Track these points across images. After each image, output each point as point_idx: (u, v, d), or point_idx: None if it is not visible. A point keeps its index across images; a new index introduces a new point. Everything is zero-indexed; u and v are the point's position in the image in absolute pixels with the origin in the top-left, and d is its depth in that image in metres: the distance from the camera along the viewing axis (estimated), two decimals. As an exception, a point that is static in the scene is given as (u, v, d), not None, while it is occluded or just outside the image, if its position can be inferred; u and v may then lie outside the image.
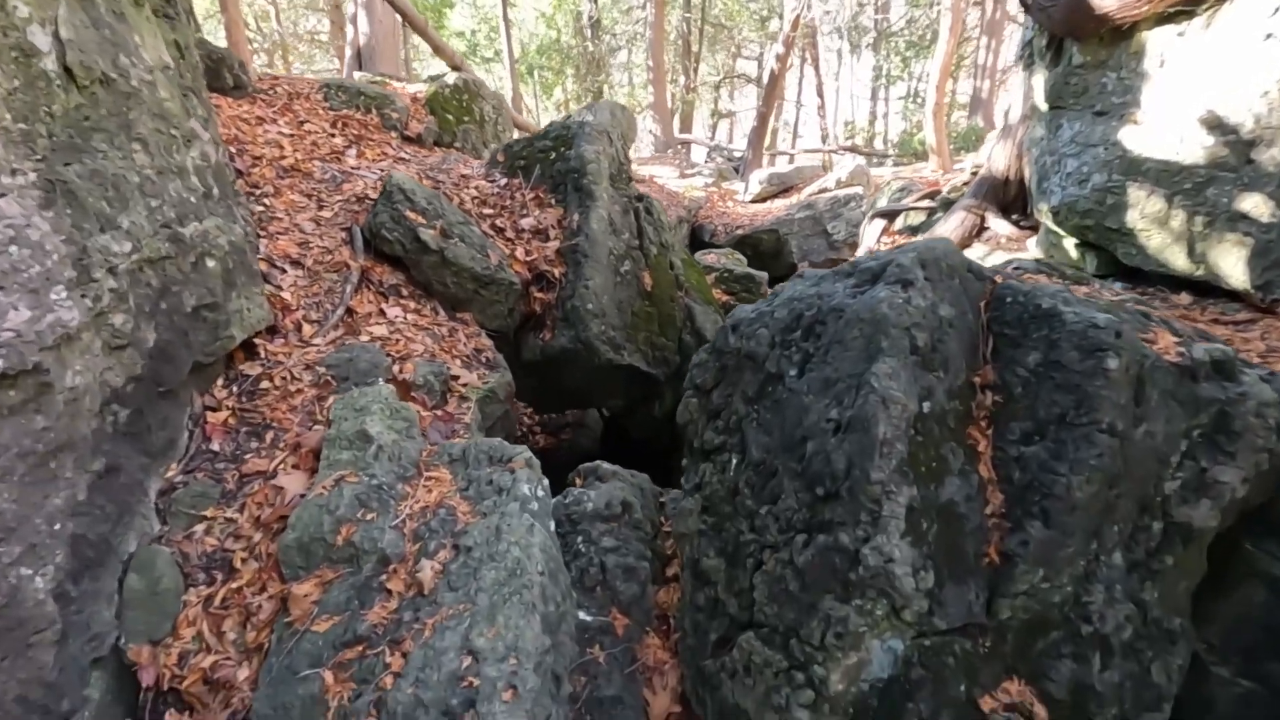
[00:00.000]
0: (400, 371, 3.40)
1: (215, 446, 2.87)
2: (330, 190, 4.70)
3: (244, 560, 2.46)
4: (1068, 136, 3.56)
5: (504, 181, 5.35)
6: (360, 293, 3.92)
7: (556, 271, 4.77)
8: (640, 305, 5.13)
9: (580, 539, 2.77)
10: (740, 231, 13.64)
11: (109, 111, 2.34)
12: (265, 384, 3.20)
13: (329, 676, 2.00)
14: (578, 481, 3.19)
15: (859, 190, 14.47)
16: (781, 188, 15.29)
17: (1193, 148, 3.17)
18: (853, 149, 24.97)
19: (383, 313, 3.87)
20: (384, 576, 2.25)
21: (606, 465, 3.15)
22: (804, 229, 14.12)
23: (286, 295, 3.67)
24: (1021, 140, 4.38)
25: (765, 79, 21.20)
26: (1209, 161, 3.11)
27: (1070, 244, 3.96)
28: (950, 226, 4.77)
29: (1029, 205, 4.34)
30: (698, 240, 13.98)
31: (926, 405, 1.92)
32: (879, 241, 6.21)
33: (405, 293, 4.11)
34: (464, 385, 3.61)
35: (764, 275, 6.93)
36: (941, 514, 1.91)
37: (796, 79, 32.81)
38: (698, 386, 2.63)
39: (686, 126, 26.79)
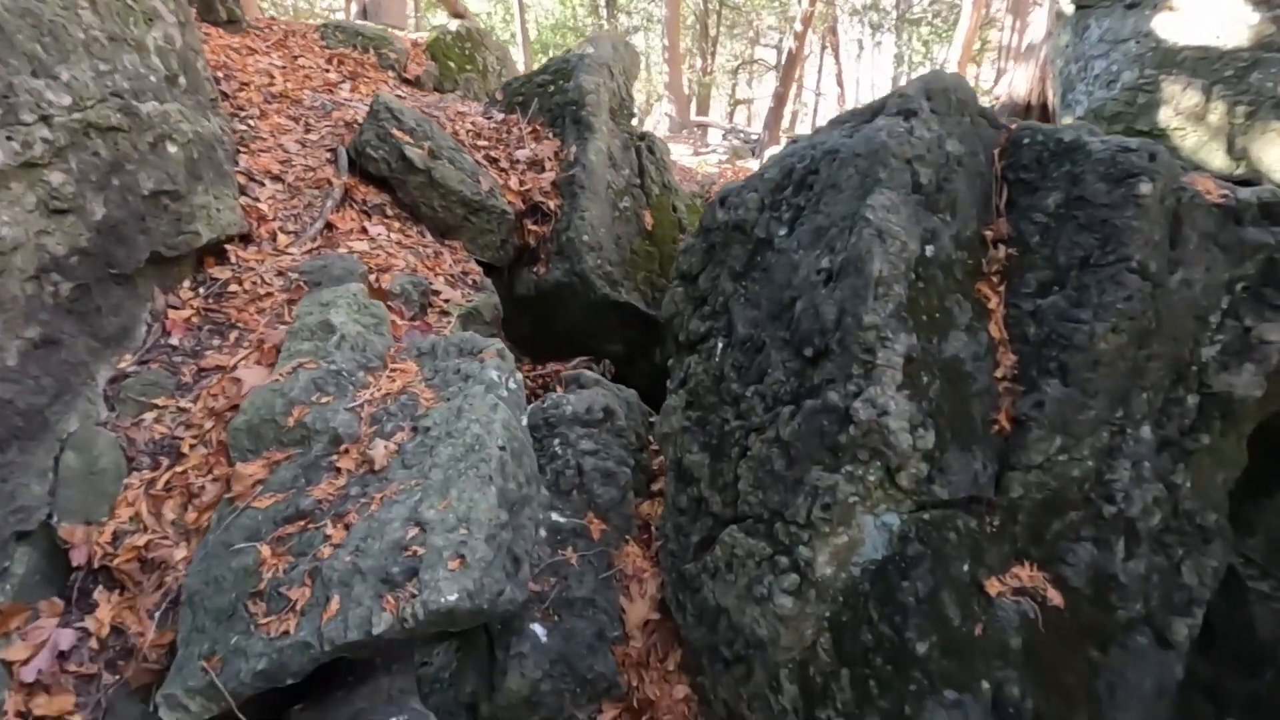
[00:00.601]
0: (378, 281, 3.23)
1: (175, 341, 2.71)
2: (319, 117, 4.54)
3: (192, 446, 2.30)
4: (1095, 36, 3.28)
5: (501, 117, 5.17)
6: (343, 210, 3.76)
7: (552, 203, 4.58)
8: (640, 244, 4.93)
9: (557, 441, 2.58)
10: (754, 206, 13.38)
11: (50, -43, 2.17)
12: (234, 288, 3.04)
13: (265, 550, 1.83)
14: (559, 389, 2.99)
15: (876, 165, 14.13)
16: (797, 163, 14.89)
17: (1236, 29, 2.90)
18: (872, 132, 24.50)
19: (365, 230, 3.71)
20: (334, 456, 2.08)
21: (589, 373, 2.96)
22: (819, 205, 13.83)
23: (263, 206, 3.52)
24: (1045, 58, 4.10)
25: (783, 61, 20.85)
26: (1254, 42, 2.84)
27: (1096, 166, 3.66)
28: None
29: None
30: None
31: (930, 249, 1.70)
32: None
33: (390, 213, 3.94)
34: (445, 301, 3.43)
35: (773, 229, 6.69)
36: (945, 370, 1.69)
37: (816, 67, 32.34)
38: (683, 274, 2.42)
39: (703, 111, 26.47)
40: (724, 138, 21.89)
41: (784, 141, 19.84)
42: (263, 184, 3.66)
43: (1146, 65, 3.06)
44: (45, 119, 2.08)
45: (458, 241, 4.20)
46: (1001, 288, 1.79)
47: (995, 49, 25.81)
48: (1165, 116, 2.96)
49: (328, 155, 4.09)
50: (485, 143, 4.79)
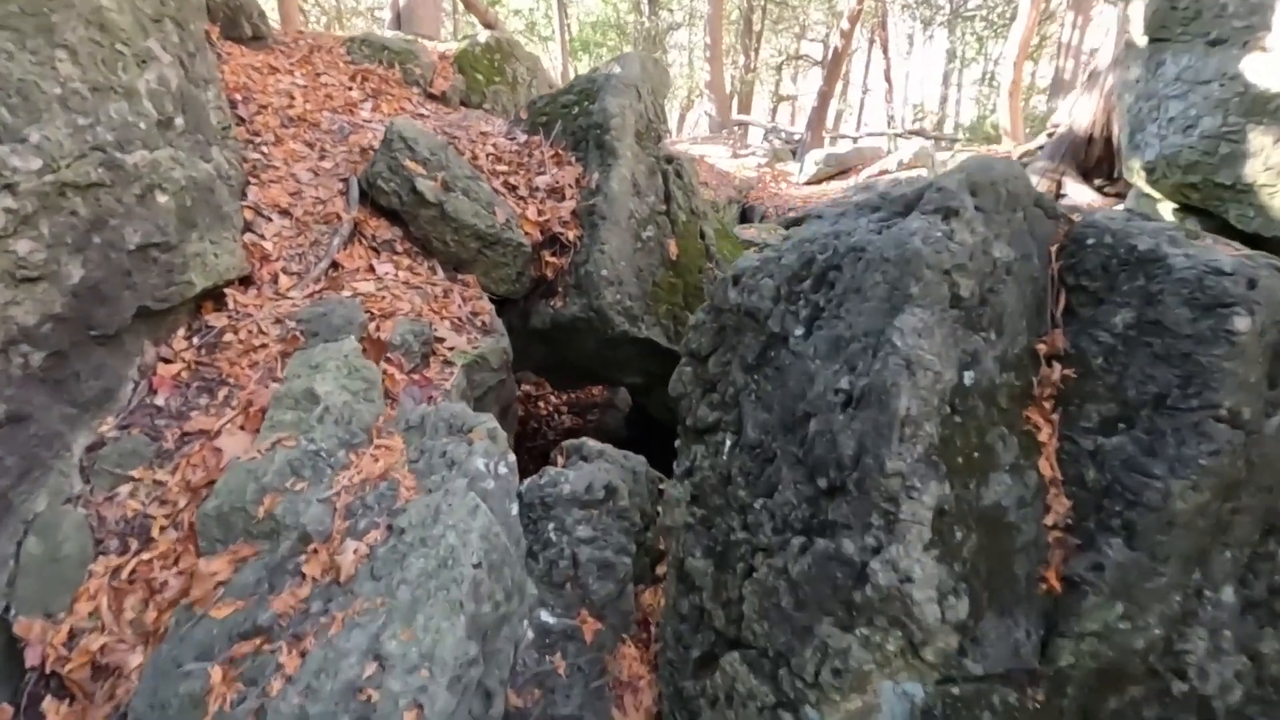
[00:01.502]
0: (377, 329, 3.07)
1: (160, 400, 2.60)
2: (336, 141, 4.42)
3: (163, 529, 2.16)
4: (1171, 74, 2.92)
5: (524, 139, 4.98)
6: (350, 246, 3.62)
7: (571, 234, 4.38)
8: (663, 275, 4.69)
9: (552, 526, 2.38)
10: (792, 213, 12.96)
11: (23, 9, 2.04)
12: (229, 337, 2.92)
13: (216, 674, 1.67)
14: (559, 460, 2.80)
15: (923, 173, 13.56)
16: (839, 169, 14.50)
17: (1341, 76, 2.53)
18: (919, 133, 23.71)
19: (372, 269, 3.56)
20: (302, 557, 1.91)
21: (593, 443, 2.75)
22: (861, 212, 13.35)
23: (268, 244, 3.39)
24: (1111, 89, 3.72)
25: (829, 57, 20.26)
26: (1363, 94, 2.47)
27: (1167, 209, 3.31)
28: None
29: (1116, 166, 3.69)
30: (748, 221, 13.39)
31: (969, 376, 1.44)
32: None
33: (400, 249, 3.79)
34: (450, 349, 3.26)
35: (808, 252, 6.38)
36: (983, 521, 1.43)
37: (864, 63, 31.47)
38: (693, 353, 2.19)
39: (745, 109, 25.99)
40: (765, 138, 21.40)
41: (827, 143, 19.27)
42: (270, 219, 3.54)
43: (1231, 111, 2.69)
44: (9, 187, 1.95)
45: (470, 275, 4.04)
46: (1055, 415, 1.52)
47: (1054, 45, 24.69)
48: (1252, 170, 2.59)
49: (340, 186, 3.96)
50: (505, 168, 4.61)
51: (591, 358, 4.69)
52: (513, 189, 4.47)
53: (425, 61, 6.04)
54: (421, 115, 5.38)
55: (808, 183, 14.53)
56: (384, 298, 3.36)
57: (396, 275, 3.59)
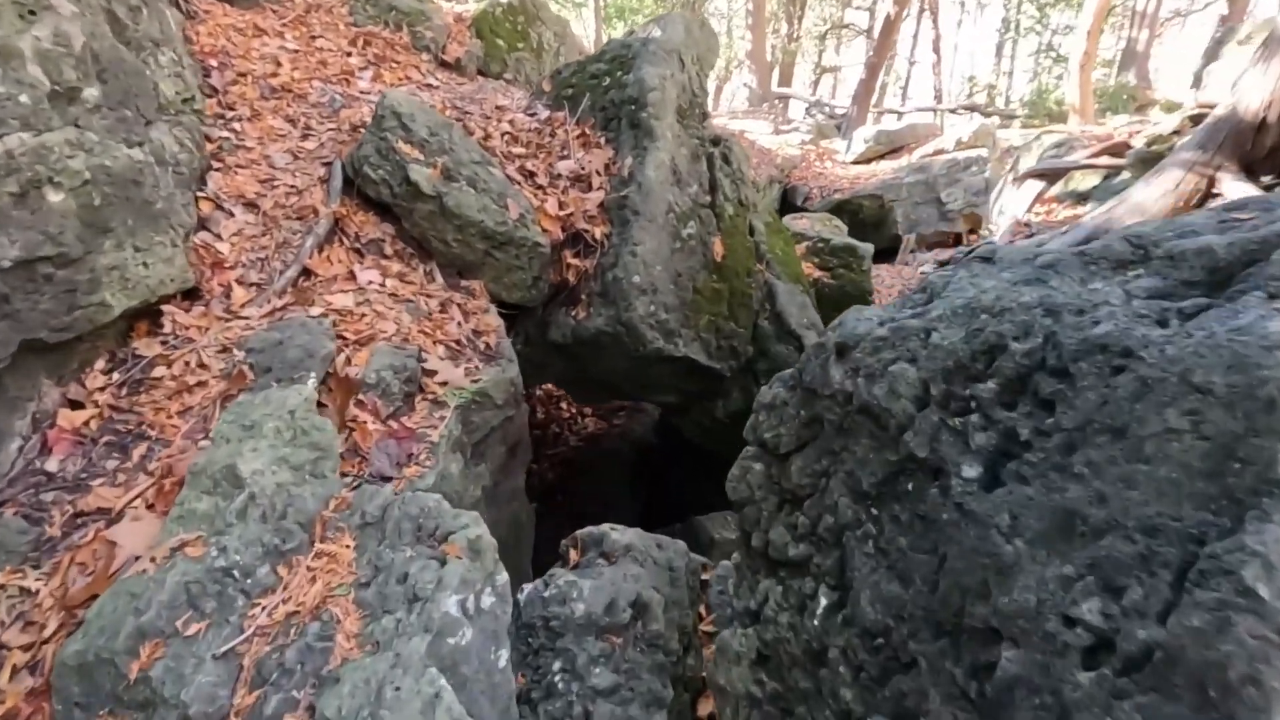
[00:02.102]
0: (348, 363, 2.43)
1: (54, 464, 1.99)
2: (325, 116, 3.75)
3: (16, 671, 1.55)
4: None
5: (545, 115, 4.26)
6: (329, 248, 2.97)
7: (597, 231, 3.68)
8: (706, 280, 3.97)
9: (558, 665, 1.72)
10: (838, 196, 12.04)
11: None
12: (161, 371, 2.30)
13: None
14: (571, 554, 2.13)
15: (983, 153, 12.48)
16: (890, 147, 13.48)
17: None
18: (973, 107, 22.28)
19: (352, 276, 2.91)
20: (179, 757, 1.28)
21: (617, 534, 2.07)
22: (913, 195, 12.34)
23: (224, 247, 2.76)
24: (1301, 60, 2.91)
25: (878, 27, 18.97)
26: None
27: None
28: (1156, 190, 3.32)
29: (1297, 159, 2.90)
30: (788, 204, 12.49)
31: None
32: (1030, 210, 4.74)
33: (389, 251, 3.13)
34: (441, 384, 2.60)
35: (868, 248, 5.58)
36: None
37: (911, 33, 29.79)
38: (765, 444, 1.50)
39: (786, 80, 24.73)
40: (807, 112, 20.25)
41: (872, 119, 18.10)
42: (231, 214, 2.91)
43: None
44: None
45: (476, 282, 3.37)
46: None
47: (1124, 13, 22.89)
48: None
49: (323, 172, 3.30)
50: (522, 150, 3.90)
51: (619, 376, 4.01)
52: (530, 176, 3.77)
53: (438, 24, 5.32)
54: (430, 86, 4.68)
55: (855, 161, 13.55)
56: (363, 316, 2.71)
57: (383, 285, 2.93)
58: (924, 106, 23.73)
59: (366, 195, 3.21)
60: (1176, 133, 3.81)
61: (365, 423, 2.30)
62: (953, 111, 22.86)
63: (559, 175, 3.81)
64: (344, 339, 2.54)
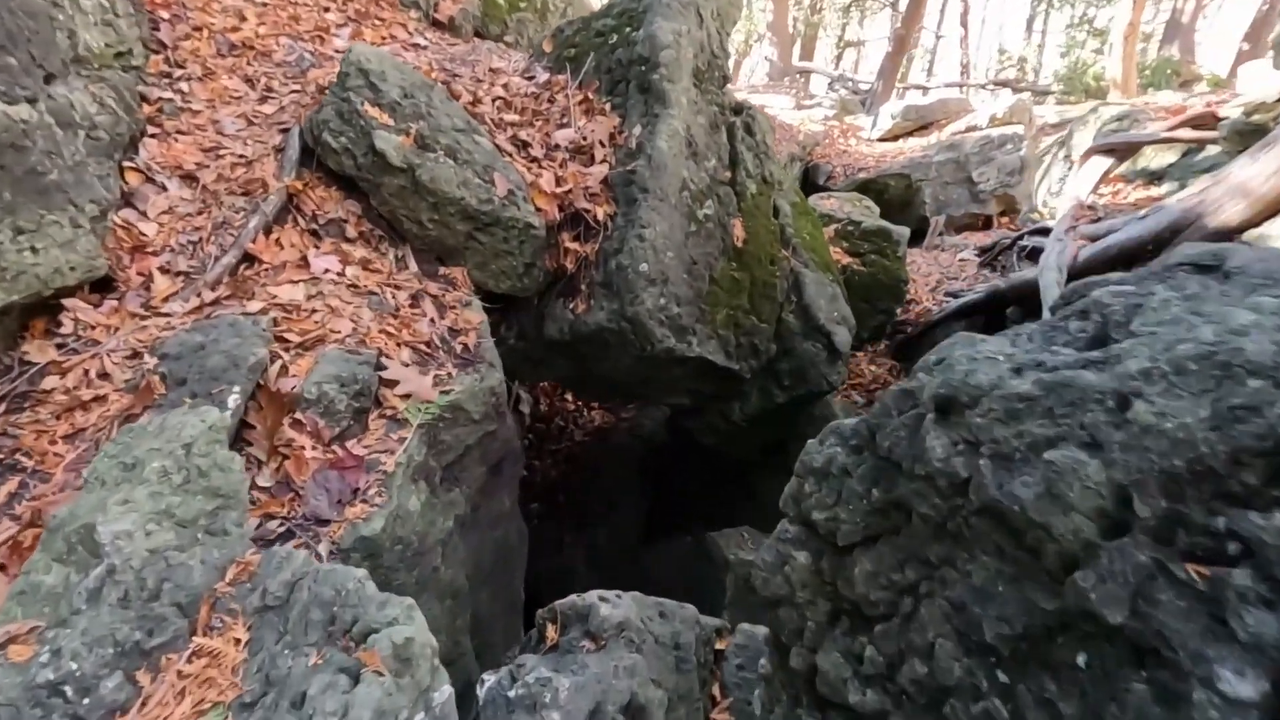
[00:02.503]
0: (283, 373, 1.98)
1: (-108, 506, 1.56)
2: (289, 77, 3.27)
3: None
4: None
5: (544, 78, 3.75)
6: (279, 229, 2.51)
7: (600, 211, 3.19)
8: (724, 268, 3.48)
9: (522, 802, 1.28)
10: (862, 175, 11.39)
11: None
12: (52, 381, 1.87)
13: None
14: (550, 631, 1.67)
15: (1019, 130, 11.73)
16: (918, 124, 12.76)
17: None
18: (1004, 83, 21.32)
19: (306, 263, 2.45)
20: None
21: (607, 608, 1.61)
22: (943, 175, 11.63)
23: (149, 228, 2.31)
24: None
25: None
26: None
27: None
28: (1267, 167, 2.79)
29: None
30: (811, 183, 11.86)
31: None
32: (1095, 191, 4.18)
33: (353, 233, 2.66)
34: (403, 397, 2.15)
35: (903, 231, 5.04)
36: None
37: (938, 6, 28.66)
38: (812, 526, 1.03)
39: (808, 54, 23.88)
40: (830, 87, 19.45)
41: (896, 95, 17.35)
42: (164, 187, 2.45)
43: None
44: None
45: (458, 269, 2.90)
46: None
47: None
48: None
49: (279, 139, 2.83)
50: (516, 117, 3.41)
51: (624, 376, 3.55)
52: (523, 147, 3.28)
53: (430, -22, 4.79)
54: (417, 46, 4.19)
55: (881, 138, 12.87)
56: (313, 312, 2.25)
57: (342, 273, 2.47)
58: (951, 82, 22.78)
59: (329, 167, 2.75)
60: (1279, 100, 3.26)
61: (302, 449, 1.86)
62: (982, 87, 21.92)
63: (557, 146, 3.32)
64: (285, 342, 2.09)
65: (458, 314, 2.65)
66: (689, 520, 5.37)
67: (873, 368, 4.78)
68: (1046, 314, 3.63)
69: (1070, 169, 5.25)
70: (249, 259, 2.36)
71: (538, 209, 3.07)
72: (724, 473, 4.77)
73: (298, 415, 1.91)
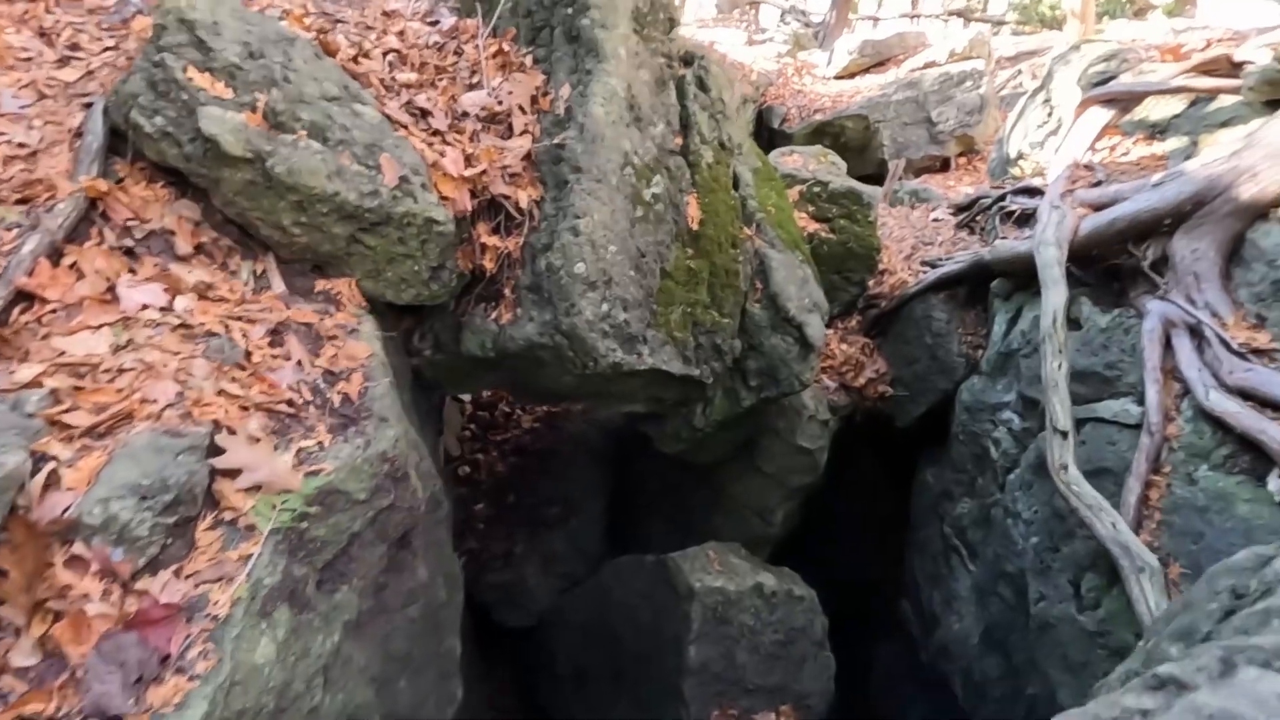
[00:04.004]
0: (55, 486, 1.37)
1: None
2: (105, 29, 2.50)
3: None
4: None
5: (450, 23, 3.04)
6: (75, 251, 1.84)
7: (523, 197, 2.57)
8: (678, 257, 2.92)
9: None
10: (819, 117, 10.79)
11: None
12: None
13: None
14: None
15: (978, 65, 11.24)
16: (875, 60, 12.13)
17: None
18: (958, 13, 20.64)
19: (114, 298, 1.80)
20: None
21: None
22: (901, 115, 11.13)
23: None
24: None
25: (859, -82, 17.08)
26: None
27: None
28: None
29: None
30: (765, 126, 11.20)
31: None
32: (1094, 146, 3.72)
33: (187, 248, 2.00)
34: (250, 489, 1.57)
35: (874, 193, 4.53)
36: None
37: (889, -73, 27.51)
38: None
39: (756, -18, 22.65)
40: (782, 19, 18.47)
41: (848, 27, 16.59)
42: (-104, 198, 1.75)
43: None
44: None
45: (341, 281, 2.28)
46: None
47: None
48: None
49: (79, 120, 2.11)
50: (413, 76, 2.72)
51: (569, 390, 3.00)
52: (422, 116, 2.61)
53: (308, -104, 3.90)
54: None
55: (838, 76, 12.22)
56: (118, 374, 1.63)
57: (169, 308, 1.84)
58: (904, 13, 21.97)
59: (150, 158, 2.06)
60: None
61: (82, 602, 1.28)
62: (935, 17, 21.21)
63: (465, 114, 2.66)
64: (66, 429, 1.48)
65: (339, 349, 2.05)
66: (655, 520, 4.95)
67: (844, 347, 4.34)
68: (1047, 294, 3.21)
69: (1050, 115, 4.78)
70: (24, 298, 1.70)
71: (442, 198, 2.43)
72: (691, 467, 4.31)
73: (77, 549, 1.32)
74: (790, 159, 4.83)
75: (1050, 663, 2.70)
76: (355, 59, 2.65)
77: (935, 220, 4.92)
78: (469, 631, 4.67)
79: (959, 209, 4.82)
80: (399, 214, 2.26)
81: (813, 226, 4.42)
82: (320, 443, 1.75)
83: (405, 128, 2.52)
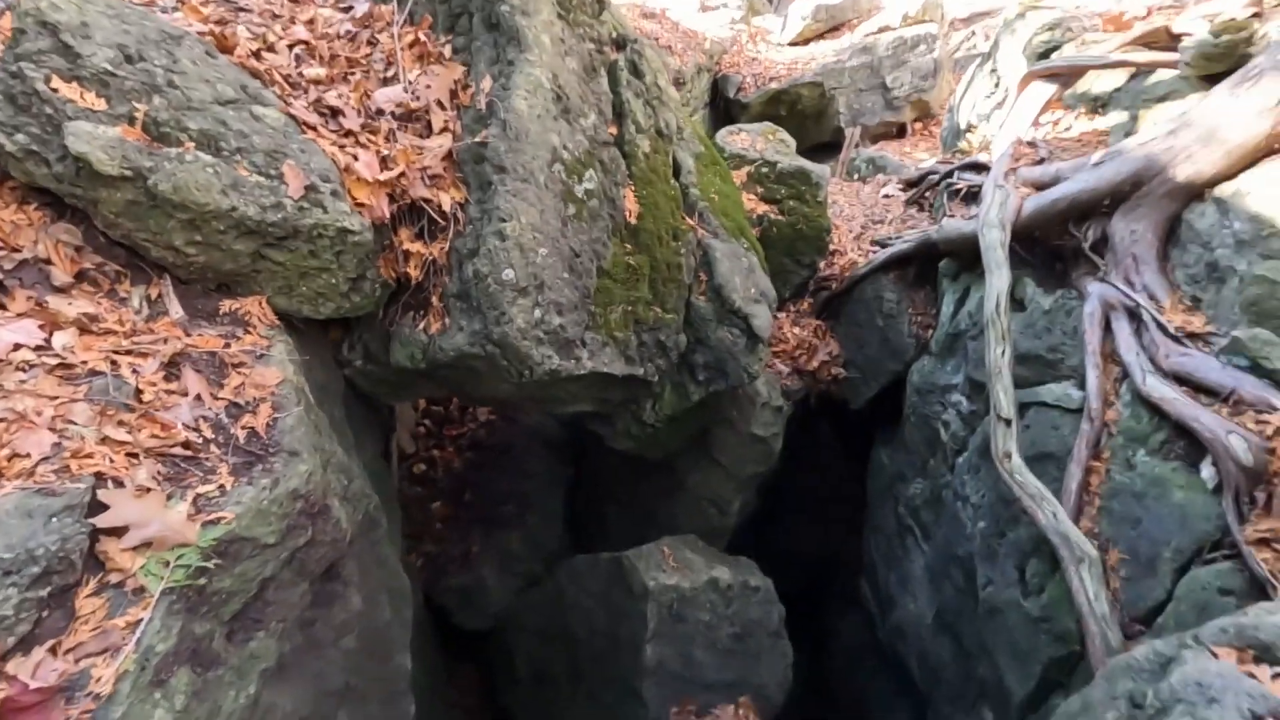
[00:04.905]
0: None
1: None
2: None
3: None
4: None
5: (364, 9, 2.84)
6: (-65, 286, 1.67)
7: (446, 199, 2.43)
8: (616, 253, 2.82)
9: None
10: (774, 85, 10.63)
11: None
12: None
13: None
14: None
15: (931, 29, 11.16)
16: (830, 25, 11.96)
17: None
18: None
19: (-20, 339, 1.64)
20: None
21: None
22: (856, 81, 11.04)
23: None
24: None
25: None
26: None
27: None
28: (1247, 108, 2.31)
29: None
30: (721, 95, 11.00)
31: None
32: (1037, 121, 3.67)
33: (65, 277, 1.84)
34: (141, 546, 1.46)
35: (823, 172, 4.44)
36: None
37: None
38: None
39: (709, -55, 22.09)
40: (735, -17, 18.05)
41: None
42: None
43: None
44: None
45: (252, 299, 2.14)
46: None
47: None
48: None
49: (-64, 134, 1.91)
50: (322, 71, 2.53)
51: (508, 396, 2.90)
52: (333, 115, 2.43)
53: None
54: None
55: (792, 43, 12.04)
56: (-16, 428, 1.48)
57: (46, 346, 1.68)
58: (860, -27, 21.67)
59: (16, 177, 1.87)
60: (1258, 14, 2.76)
61: (-61, 695, 1.16)
62: (890, -22, 20.97)
63: (380, 111, 2.49)
64: (-81, 496, 1.34)
65: (246, 376, 1.91)
66: (614, 511, 4.90)
67: (796, 330, 4.30)
68: (990, 279, 3.18)
69: (997, 85, 4.73)
70: (-128, 347, 1.54)
71: (357, 204, 2.29)
72: (647, 458, 4.24)
73: (-70, 637, 1.20)
74: (738, 138, 4.71)
75: (998, 648, 2.73)
76: (257, 54, 2.46)
77: (886, 196, 4.87)
78: (431, 633, 4.61)
79: (909, 184, 4.77)
80: (307, 226, 2.11)
81: (761, 208, 4.33)
82: (222, 486, 1.63)
83: (314, 129, 2.35)
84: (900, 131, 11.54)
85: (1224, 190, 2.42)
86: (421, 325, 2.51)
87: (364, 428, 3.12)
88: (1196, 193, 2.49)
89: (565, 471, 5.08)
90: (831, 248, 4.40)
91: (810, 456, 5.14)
